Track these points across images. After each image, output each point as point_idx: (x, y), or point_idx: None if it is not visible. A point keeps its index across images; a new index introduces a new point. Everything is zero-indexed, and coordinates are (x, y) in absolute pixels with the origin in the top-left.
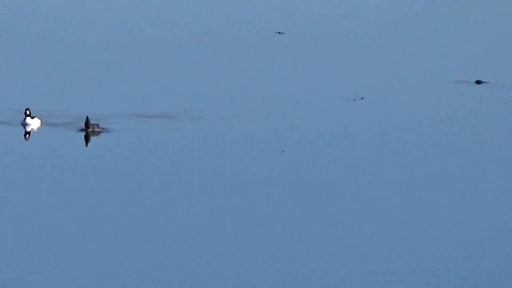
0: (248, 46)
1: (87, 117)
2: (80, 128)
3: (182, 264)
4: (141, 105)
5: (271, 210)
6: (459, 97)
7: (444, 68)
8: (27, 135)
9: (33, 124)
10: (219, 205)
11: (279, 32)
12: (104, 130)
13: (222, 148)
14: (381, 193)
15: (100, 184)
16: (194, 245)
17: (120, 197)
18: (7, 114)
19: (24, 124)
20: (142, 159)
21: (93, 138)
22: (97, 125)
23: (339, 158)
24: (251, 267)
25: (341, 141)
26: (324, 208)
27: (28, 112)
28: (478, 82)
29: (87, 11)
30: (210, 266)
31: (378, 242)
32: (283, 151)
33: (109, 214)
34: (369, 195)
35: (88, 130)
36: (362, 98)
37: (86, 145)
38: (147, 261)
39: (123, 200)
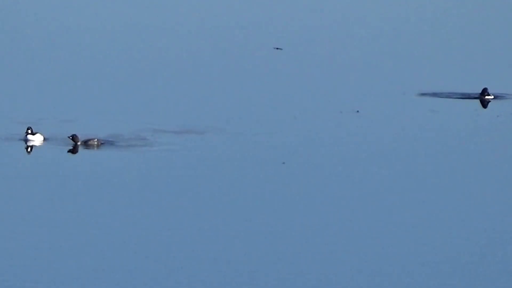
0: (248, 61)
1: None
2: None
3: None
4: (141, 120)
5: (273, 219)
6: (456, 109)
7: (439, 80)
8: (29, 149)
9: (35, 140)
10: (222, 215)
11: (277, 48)
12: (100, 142)
13: (223, 161)
14: (380, 202)
15: (104, 198)
16: (199, 253)
17: (128, 210)
18: (13, 130)
19: (26, 140)
20: (149, 173)
21: (95, 152)
22: (94, 139)
23: (337, 168)
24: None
25: (338, 151)
26: (324, 218)
27: (29, 131)
28: (484, 93)
29: (98, 25)
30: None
31: (378, 251)
32: (283, 163)
33: (117, 230)
34: (368, 205)
35: (77, 144)
36: (357, 111)
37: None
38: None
39: (130, 214)
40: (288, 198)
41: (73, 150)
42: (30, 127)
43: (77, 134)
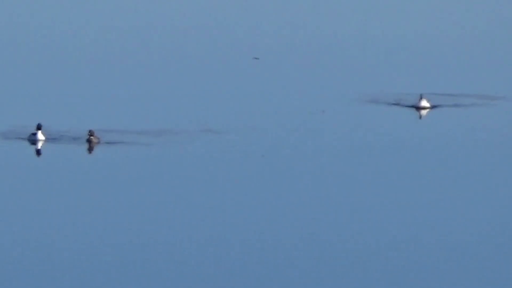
0: (228, 70)
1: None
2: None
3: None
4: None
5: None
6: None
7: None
8: (38, 149)
9: (41, 138)
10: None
11: (256, 58)
12: (100, 140)
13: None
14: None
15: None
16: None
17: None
18: (14, 129)
19: (33, 139)
20: (149, 171)
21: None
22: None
23: (309, 158)
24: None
25: (307, 144)
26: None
27: (39, 127)
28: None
29: (101, 27)
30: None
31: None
32: (263, 155)
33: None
34: (339, 205)
35: (91, 138)
36: (323, 111)
37: (90, 152)
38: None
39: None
40: (269, 190)
41: (90, 148)
42: (40, 124)
43: (93, 130)
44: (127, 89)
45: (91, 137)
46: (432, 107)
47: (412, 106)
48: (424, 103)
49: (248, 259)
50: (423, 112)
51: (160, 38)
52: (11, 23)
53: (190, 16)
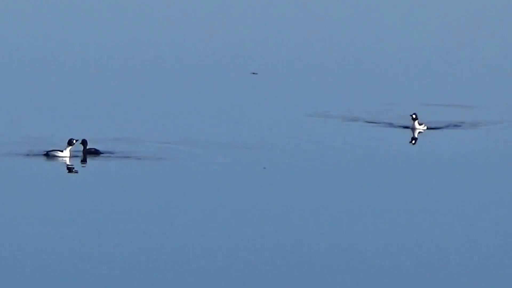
0: (226, 85)
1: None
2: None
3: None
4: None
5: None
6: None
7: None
8: (67, 166)
9: (66, 155)
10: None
11: (254, 73)
12: (100, 152)
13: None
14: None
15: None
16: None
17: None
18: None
19: (59, 156)
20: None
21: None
22: (95, 149)
23: (310, 169)
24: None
25: (307, 156)
26: (300, 216)
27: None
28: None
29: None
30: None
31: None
32: (264, 168)
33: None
34: (338, 217)
35: (85, 149)
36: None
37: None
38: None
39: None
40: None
41: (84, 159)
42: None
43: (86, 139)
44: (124, 102)
45: (86, 148)
46: (427, 128)
47: (407, 127)
48: (417, 125)
49: (248, 268)
50: (417, 133)
51: (158, 52)
52: (17, 36)
53: (190, 32)
